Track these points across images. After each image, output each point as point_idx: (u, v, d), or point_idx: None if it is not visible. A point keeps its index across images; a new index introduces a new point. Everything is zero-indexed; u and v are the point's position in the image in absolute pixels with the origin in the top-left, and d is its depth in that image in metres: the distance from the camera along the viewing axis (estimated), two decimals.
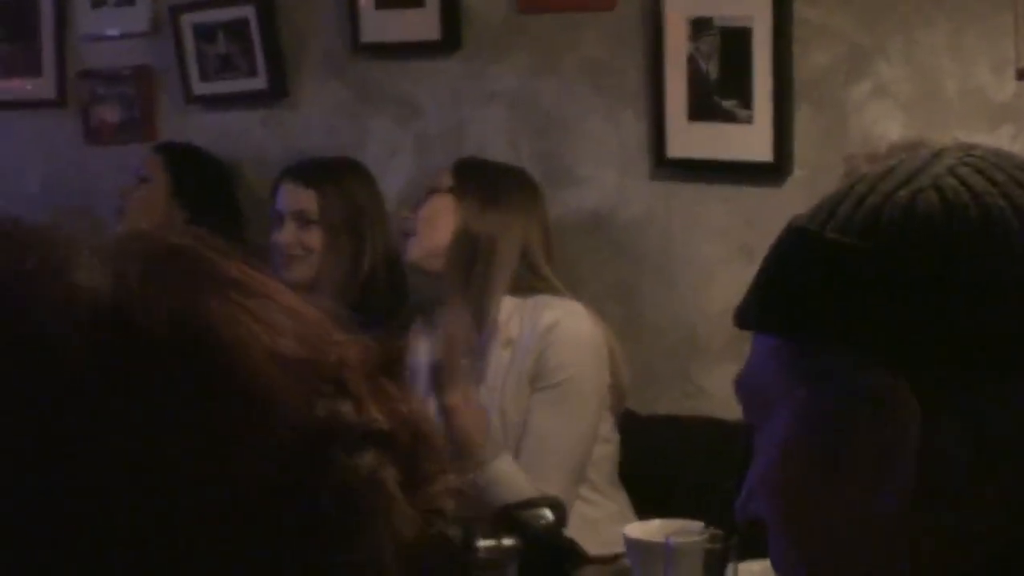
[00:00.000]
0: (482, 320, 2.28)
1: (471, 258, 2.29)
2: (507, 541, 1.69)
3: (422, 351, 2.33)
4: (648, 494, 2.36)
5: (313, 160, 2.74)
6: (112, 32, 3.26)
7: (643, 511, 2.29)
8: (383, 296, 2.60)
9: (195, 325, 0.47)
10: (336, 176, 2.67)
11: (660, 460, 2.43)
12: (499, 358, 2.29)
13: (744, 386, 0.82)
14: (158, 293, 0.48)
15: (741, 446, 0.91)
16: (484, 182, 2.37)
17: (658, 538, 1.77)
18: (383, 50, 2.86)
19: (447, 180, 2.37)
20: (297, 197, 2.63)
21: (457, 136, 2.79)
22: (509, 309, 2.30)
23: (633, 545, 1.83)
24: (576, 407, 2.25)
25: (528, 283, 2.32)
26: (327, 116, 2.97)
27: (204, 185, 2.99)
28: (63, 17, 3.34)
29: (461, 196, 2.34)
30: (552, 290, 2.32)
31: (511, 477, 2.17)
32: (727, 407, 2.40)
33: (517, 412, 2.26)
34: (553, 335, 2.24)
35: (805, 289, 0.77)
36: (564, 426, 2.24)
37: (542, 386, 2.25)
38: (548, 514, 1.79)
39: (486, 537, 1.66)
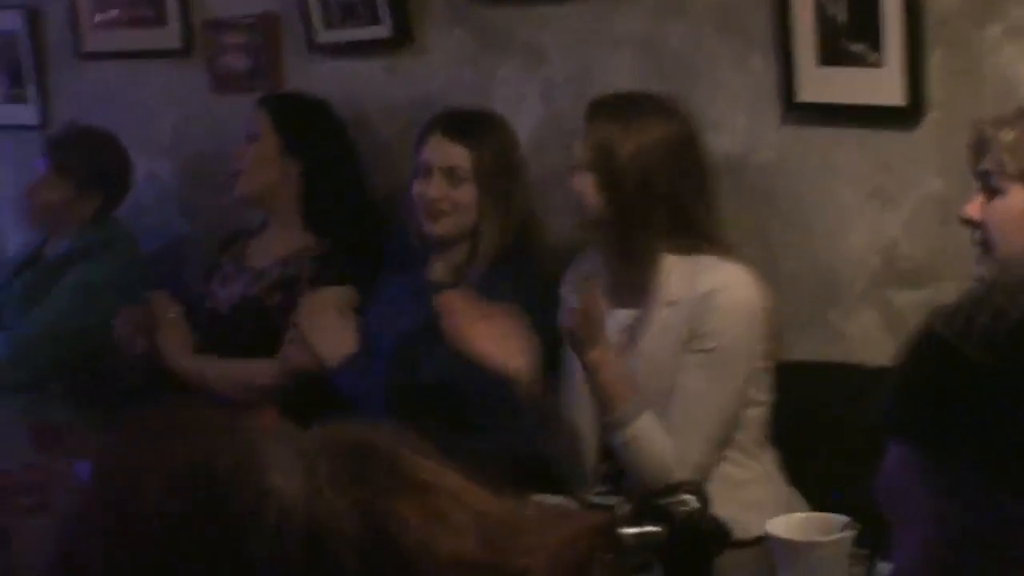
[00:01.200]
0: (640, 277, 2.50)
1: (621, 208, 2.49)
2: (651, 528, 1.88)
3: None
4: (790, 444, 2.64)
5: (463, 113, 2.98)
6: None
7: (787, 464, 2.58)
8: (524, 253, 2.91)
9: (381, 528, 0.55)
10: (488, 133, 2.91)
11: (800, 407, 2.67)
12: (658, 318, 2.49)
13: (880, 489, 0.89)
14: (346, 494, 0.56)
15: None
16: (621, 116, 2.53)
17: (801, 535, 1.98)
18: None
19: (582, 153, 2.56)
20: (449, 152, 2.87)
21: (584, 82, 3.06)
22: (670, 268, 2.49)
23: (777, 543, 2.01)
24: (726, 374, 2.45)
25: (690, 241, 2.49)
26: (452, 63, 3.27)
27: (316, 135, 3.28)
28: None
29: (593, 138, 2.52)
30: (717, 249, 2.51)
31: (651, 438, 2.41)
32: (865, 351, 2.71)
33: (670, 372, 2.46)
34: (712, 301, 2.44)
35: (942, 403, 0.84)
36: (712, 391, 2.45)
37: (695, 349, 2.45)
38: (692, 501, 1.96)
39: (630, 525, 1.88)
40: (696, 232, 2.50)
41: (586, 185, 2.52)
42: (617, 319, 2.55)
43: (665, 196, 2.48)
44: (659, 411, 2.44)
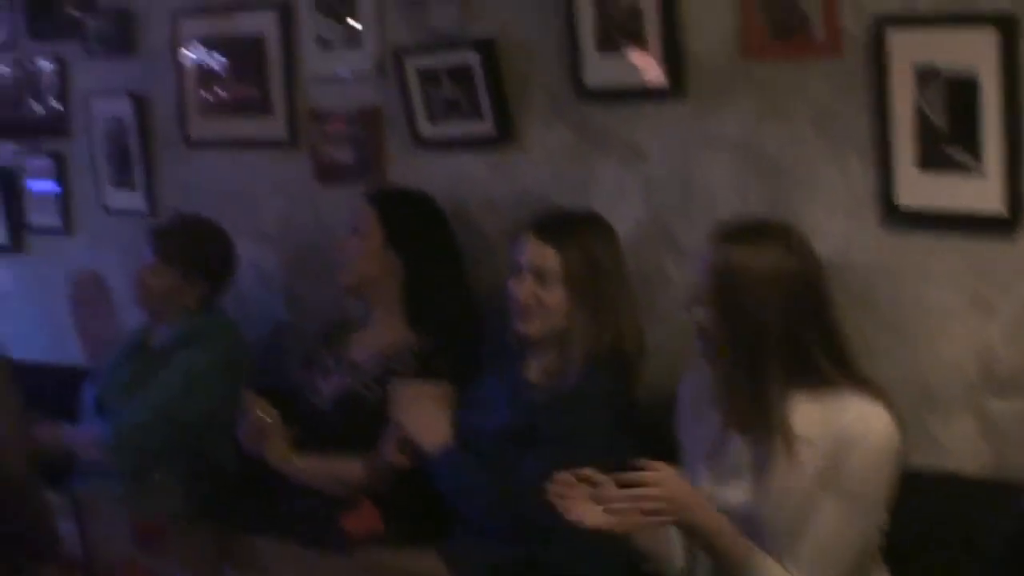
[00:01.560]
0: (759, 408, 2.49)
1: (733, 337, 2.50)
2: None
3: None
4: (890, 552, 2.70)
5: (558, 214, 3.13)
6: (339, 73, 3.81)
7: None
8: (632, 356, 3.03)
9: None
10: (582, 235, 3.03)
11: (899, 516, 2.73)
12: (786, 453, 2.47)
13: None
14: None
15: None
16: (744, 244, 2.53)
17: None
18: (607, 95, 3.30)
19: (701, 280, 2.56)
20: (539, 253, 3.00)
21: (683, 181, 3.21)
22: (796, 402, 2.49)
23: None
24: (866, 514, 2.47)
25: (815, 376, 2.49)
26: (553, 160, 3.43)
27: (420, 231, 3.44)
28: (291, 58, 3.91)
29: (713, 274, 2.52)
30: (850, 384, 2.49)
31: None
32: (961, 459, 2.79)
33: (801, 510, 2.46)
34: (852, 443, 2.43)
35: None
36: (850, 531, 2.46)
37: (834, 490, 2.45)
38: None
39: None
40: (822, 368, 2.50)
41: (703, 313, 2.55)
42: (735, 446, 2.58)
43: (784, 332, 2.48)
44: (782, 546, 2.47)
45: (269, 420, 3.36)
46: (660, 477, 2.44)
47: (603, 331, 2.99)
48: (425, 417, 3.13)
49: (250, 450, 3.39)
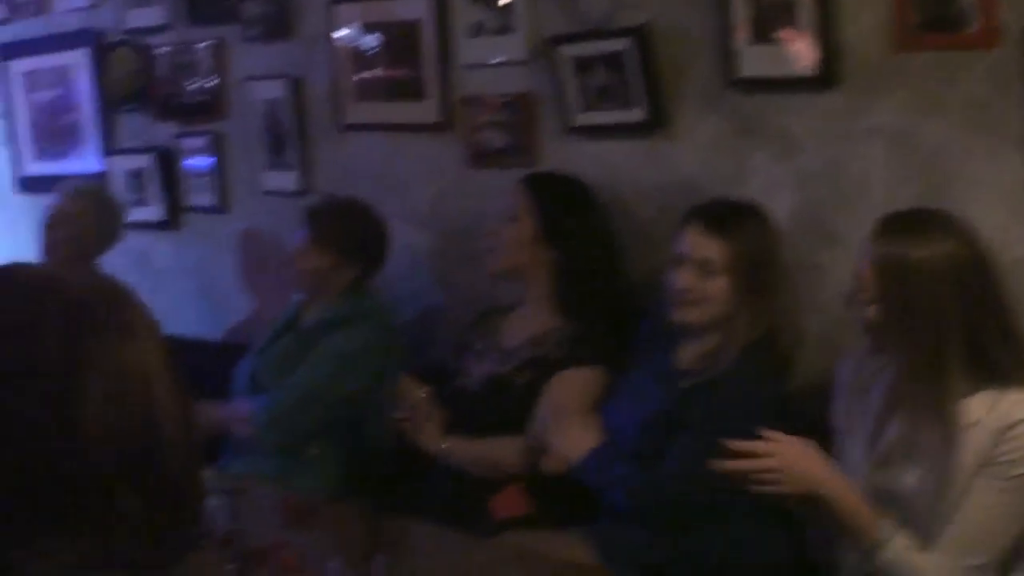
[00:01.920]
0: (926, 396, 2.57)
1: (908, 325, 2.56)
2: None
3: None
4: None
5: (722, 205, 3.21)
6: (492, 60, 3.94)
7: None
8: (786, 345, 3.13)
9: None
10: (746, 227, 3.12)
11: None
12: (947, 440, 2.54)
13: None
14: None
15: None
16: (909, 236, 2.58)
17: None
18: (760, 84, 3.38)
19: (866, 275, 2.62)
20: (704, 245, 3.09)
21: (836, 172, 3.29)
22: (966, 395, 2.53)
23: None
24: (1021, 502, 2.54)
25: (988, 372, 2.54)
26: (706, 149, 3.53)
27: (573, 219, 3.56)
28: (445, 44, 4.05)
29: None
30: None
31: (911, 556, 2.52)
32: None
33: (954, 491, 2.53)
34: (1015, 428, 2.49)
35: None
36: (1003, 517, 2.54)
37: (991, 474, 2.50)
38: None
39: None
40: (998, 358, 2.54)
41: (872, 310, 2.60)
42: (896, 430, 2.66)
43: (961, 324, 2.52)
44: (937, 529, 2.54)
45: (423, 395, 3.52)
46: (775, 447, 2.54)
47: (760, 321, 3.09)
48: (571, 427, 3.25)
49: (400, 430, 3.55)
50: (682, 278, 3.12)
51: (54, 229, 4.56)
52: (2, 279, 1.44)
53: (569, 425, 3.25)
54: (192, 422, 1.49)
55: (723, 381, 3.06)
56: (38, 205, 5.19)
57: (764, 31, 3.33)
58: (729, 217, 3.15)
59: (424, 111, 4.16)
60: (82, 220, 4.57)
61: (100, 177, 5.26)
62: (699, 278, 3.10)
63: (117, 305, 1.45)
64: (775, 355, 3.13)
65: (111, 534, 1.38)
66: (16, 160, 5.78)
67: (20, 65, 5.67)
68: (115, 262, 4.66)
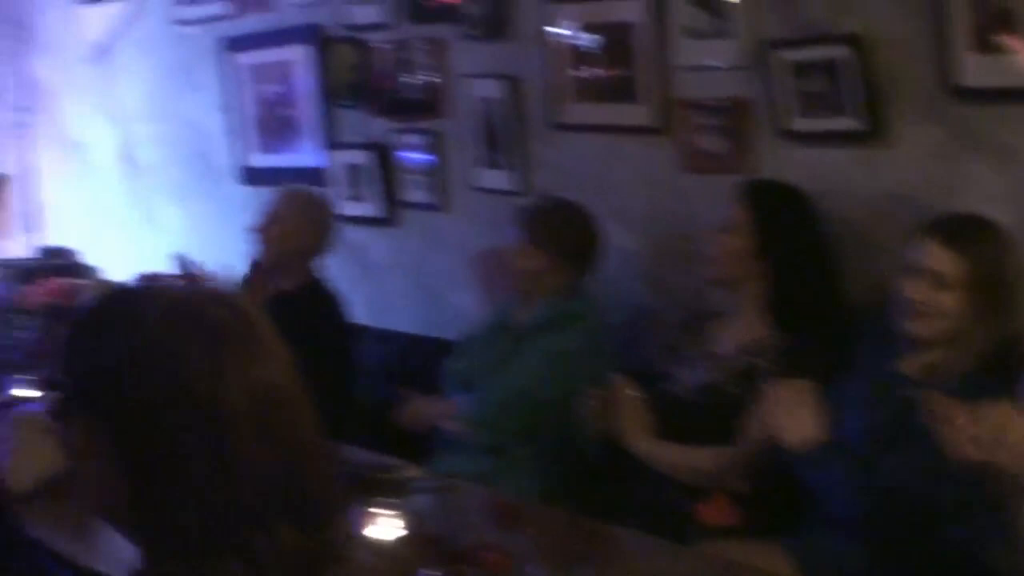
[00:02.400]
0: None
1: None
2: None
3: None
4: None
5: (958, 219, 3.26)
6: (708, 63, 4.07)
7: None
8: (1019, 359, 3.18)
9: None
10: (982, 241, 3.18)
11: None
12: None
13: None
14: None
15: None
16: None
17: None
18: (980, 94, 3.43)
19: None
20: (940, 258, 3.15)
21: None
22: None
23: None
24: None
25: None
26: (922, 159, 3.60)
27: (791, 229, 3.66)
28: (661, 46, 4.19)
29: None
30: None
31: None
32: None
33: None
34: None
35: None
36: None
37: None
38: None
39: None
40: None
41: None
42: None
43: None
44: None
45: (635, 395, 3.66)
46: (987, 413, 2.64)
47: (995, 334, 3.15)
48: (793, 415, 3.29)
49: (609, 433, 3.70)
50: (915, 289, 3.19)
51: (265, 231, 4.78)
52: (143, 305, 1.57)
53: (793, 414, 3.27)
54: (324, 440, 1.60)
55: (955, 395, 3.12)
56: (259, 196, 5.51)
57: (985, 39, 3.37)
58: (968, 232, 3.20)
59: (639, 113, 4.30)
60: (293, 224, 4.74)
61: (319, 172, 5.55)
62: (932, 290, 3.16)
63: (250, 326, 1.58)
64: (1009, 370, 3.17)
65: (265, 561, 1.50)
66: (240, 151, 6.12)
67: (245, 59, 5.99)
68: (331, 256, 4.90)
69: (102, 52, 6.91)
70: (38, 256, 7.08)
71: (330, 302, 4.69)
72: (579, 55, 4.47)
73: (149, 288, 1.59)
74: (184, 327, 1.49)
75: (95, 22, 6.89)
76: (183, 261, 4.83)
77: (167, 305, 1.52)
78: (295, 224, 4.72)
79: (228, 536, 1.46)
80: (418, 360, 4.92)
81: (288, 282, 4.65)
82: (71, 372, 1.52)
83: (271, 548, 1.46)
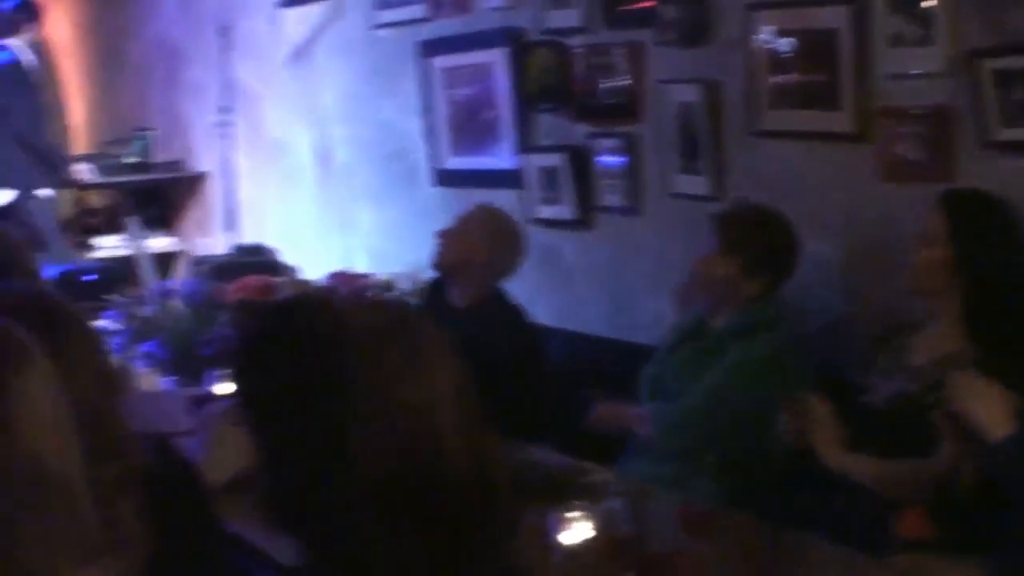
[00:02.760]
0: None
1: None
2: None
3: None
4: None
5: None
6: (910, 71, 4.08)
7: None
8: None
9: None
10: None
11: None
12: None
13: None
14: None
15: None
16: None
17: None
18: None
19: None
20: None
21: None
22: None
23: None
24: None
25: None
26: None
27: (992, 243, 3.62)
28: (863, 54, 4.21)
29: None
30: None
31: None
32: None
33: None
34: None
35: None
36: None
37: None
38: None
39: None
40: None
41: None
42: None
43: None
44: None
45: (824, 408, 3.68)
46: None
47: None
48: (989, 398, 3.23)
49: (800, 443, 3.73)
50: None
51: (448, 236, 4.85)
52: (297, 308, 1.66)
53: (985, 397, 3.23)
54: (488, 456, 1.66)
55: None
56: (454, 199, 5.65)
57: None
58: None
59: (839, 120, 4.33)
60: (476, 236, 4.79)
61: (513, 174, 5.68)
62: None
63: (405, 338, 1.64)
64: None
65: (386, 565, 1.57)
66: (435, 154, 6.28)
67: (442, 61, 6.15)
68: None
69: (301, 55, 7.14)
70: (235, 253, 7.33)
71: (513, 314, 4.76)
72: (779, 61, 4.51)
73: (316, 298, 1.68)
74: (324, 330, 1.59)
75: (295, 25, 7.13)
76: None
77: (334, 315, 1.61)
78: (475, 238, 4.79)
79: (397, 543, 1.54)
80: (607, 364, 5.01)
81: (465, 295, 4.76)
82: (246, 379, 1.64)
83: (395, 553, 1.55)
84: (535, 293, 5.01)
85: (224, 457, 3.37)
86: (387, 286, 5.70)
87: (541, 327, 4.98)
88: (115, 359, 4.49)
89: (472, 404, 1.62)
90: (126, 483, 2.25)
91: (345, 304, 1.65)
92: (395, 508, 1.54)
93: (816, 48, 4.36)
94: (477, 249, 4.77)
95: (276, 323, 1.66)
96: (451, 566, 1.57)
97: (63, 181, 8.65)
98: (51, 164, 8.40)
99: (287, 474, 1.58)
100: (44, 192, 8.51)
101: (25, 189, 8.32)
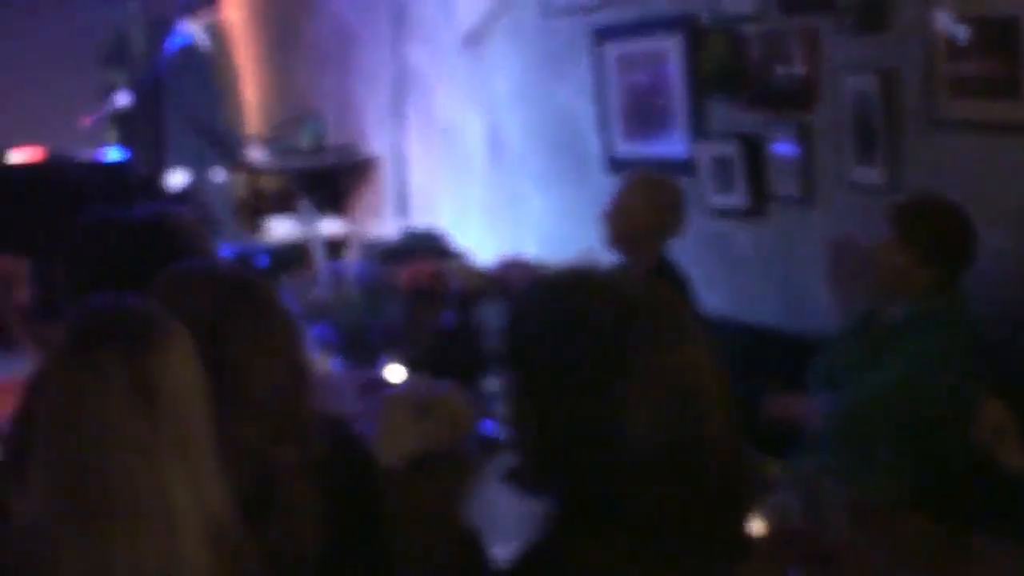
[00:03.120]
0: None
1: None
2: None
3: None
4: None
5: None
6: None
7: None
8: None
9: None
10: None
11: None
12: None
13: None
14: None
15: None
16: None
17: None
18: None
19: None
20: None
21: None
22: None
23: None
24: None
25: None
26: None
27: None
28: None
29: None
30: None
31: None
32: None
33: None
34: None
35: None
36: None
37: None
38: None
39: None
40: None
41: None
42: None
43: None
44: None
45: (1003, 410, 3.67)
46: None
47: None
48: None
49: (982, 444, 3.72)
50: None
51: (611, 216, 4.94)
52: (572, 282, 1.76)
53: None
54: (737, 430, 1.74)
55: None
56: None
57: None
58: None
59: (1020, 110, 4.30)
60: (636, 206, 4.89)
61: (686, 162, 5.73)
62: None
63: (669, 312, 1.74)
64: None
65: (647, 532, 1.65)
66: (607, 141, 6.35)
67: (615, 48, 6.22)
68: (692, 246, 5.06)
69: (474, 40, 7.26)
70: (406, 237, 7.48)
71: (680, 286, 4.83)
72: (958, 49, 4.49)
73: (580, 270, 1.80)
74: (596, 304, 1.70)
75: (468, 11, 7.25)
76: None
77: (587, 284, 1.73)
78: (638, 206, 4.88)
79: (615, 503, 1.64)
80: (779, 354, 5.03)
81: (636, 265, 4.83)
82: (512, 343, 1.77)
83: (658, 522, 1.64)
84: (706, 282, 5.04)
85: (398, 441, 3.46)
86: None
87: (712, 316, 5.02)
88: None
89: (721, 372, 1.71)
90: (306, 465, 2.36)
91: (616, 280, 1.77)
92: (663, 472, 1.63)
93: (996, 36, 4.33)
94: (639, 217, 4.87)
95: (554, 297, 1.78)
96: (703, 533, 1.67)
97: (236, 164, 8.86)
98: (225, 147, 8.62)
99: (560, 437, 1.69)
100: (218, 174, 8.73)
101: (199, 171, 8.55)
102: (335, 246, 8.62)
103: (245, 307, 2.36)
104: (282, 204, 9.22)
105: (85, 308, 2.02)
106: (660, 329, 1.69)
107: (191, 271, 2.45)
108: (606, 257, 5.02)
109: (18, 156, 8.03)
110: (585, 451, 1.67)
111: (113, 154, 8.41)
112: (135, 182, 8.20)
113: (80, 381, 1.90)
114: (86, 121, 8.68)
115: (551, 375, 1.69)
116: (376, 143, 8.44)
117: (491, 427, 3.54)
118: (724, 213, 5.59)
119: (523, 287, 1.86)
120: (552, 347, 1.70)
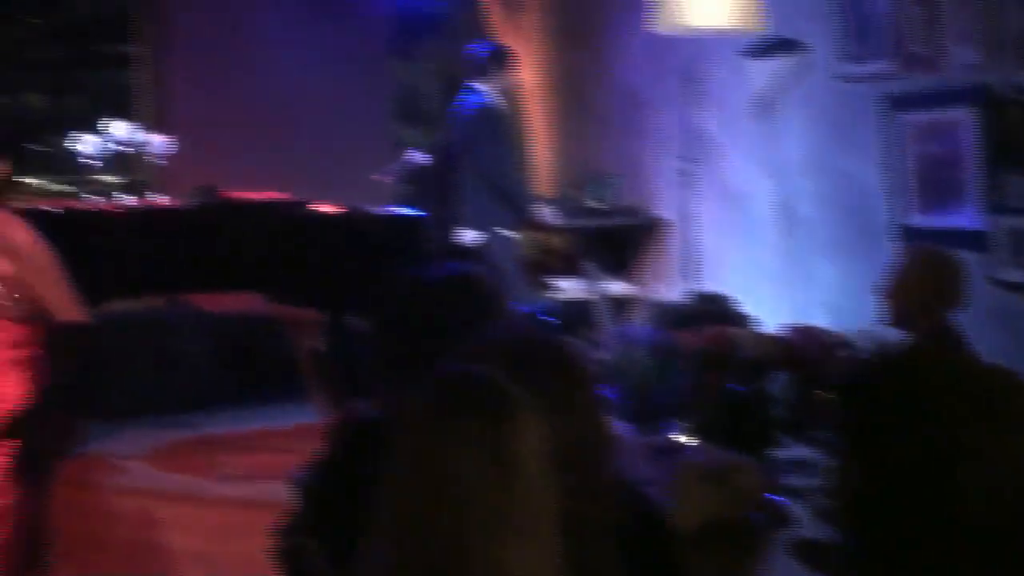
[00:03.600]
0: None
1: None
2: None
3: None
4: None
5: None
6: None
7: None
8: None
9: None
10: None
11: None
12: None
13: None
14: None
15: None
16: None
17: None
18: None
19: None
20: None
21: None
22: None
23: None
24: None
25: None
26: None
27: None
28: None
29: None
30: None
31: None
32: None
33: None
34: None
35: None
36: None
37: None
38: None
39: None
40: None
41: None
42: None
43: None
44: None
45: None
46: None
47: None
48: None
49: None
50: None
51: (889, 293, 5.01)
52: (904, 361, 1.90)
53: None
54: None
55: None
56: None
57: None
58: None
59: None
60: (912, 279, 4.95)
61: (981, 235, 5.76)
62: None
63: (1013, 394, 1.85)
64: None
65: None
66: (898, 210, 6.43)
67: (908, 117, 6.30)
68: (975, 320, 5.07)
69: (765, 106, 7.41)
70: (693, 301, 7.63)
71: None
72: None
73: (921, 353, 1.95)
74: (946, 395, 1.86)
75: (760, 76, 7.41)
76: None
77: (941, 368, 1.92)
78: (914, 279, 4.92)
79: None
80: None
81: (916, 338, 4.87)
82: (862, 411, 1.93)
83: None
84: (993, 359, 5.04)
85: (693, 508, 3.58)
86: (846, 344, 5.84)
87: None
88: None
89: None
90: (605, 525, 2.49)
91: (944, 359, 1.98)
92: (994, 545, 1.76)
93: None
94: (914, 291, 4.92)
95: (894, 372, 1.93)
96: None
97: (525, 222, 9.11)
98: (515, 206, 8.87)
99: (890, 498, 1.82)
100: (506, 232, 9.00)
101: (488, 229, 8.82)
102: (619, 307, 8.79)
103: (549, 367, 2.48)
104: (568, 263, 9.42)
105: (442, 374, 2.15)
106: (1006, 410, 1.83)
107: (530, 342, 2.54)
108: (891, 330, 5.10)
109: (322, 208, 8.37)
110: (918, 506, 1.79)
111: (407, 210, 8.73)
112: (428, 239, 8.47)
113: (442, 445, 2.02)
114: (384, 179, 9.05)
115: (897, 439, 1.84)
116: (664, 206, 8.62)
117: (779, 499, 3.66)
118: (1018, 288, 5.59)
119: (863, 363, 1.98)
120: (899, 415, 1.85)
